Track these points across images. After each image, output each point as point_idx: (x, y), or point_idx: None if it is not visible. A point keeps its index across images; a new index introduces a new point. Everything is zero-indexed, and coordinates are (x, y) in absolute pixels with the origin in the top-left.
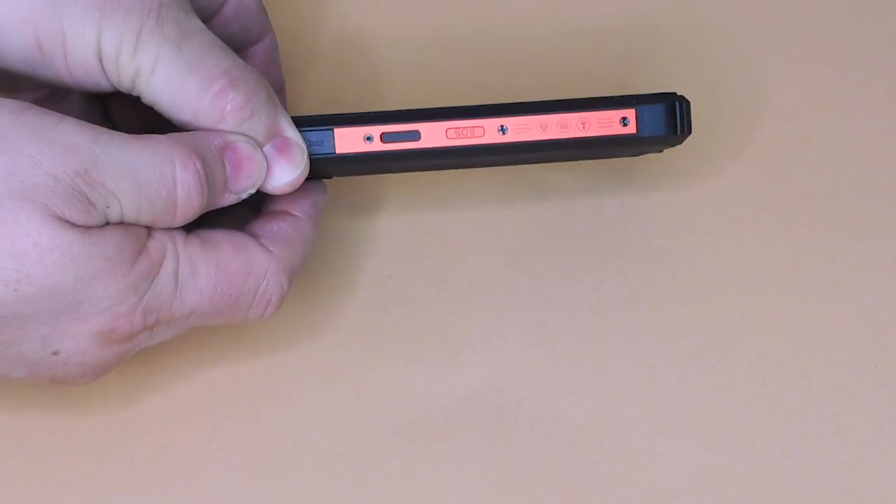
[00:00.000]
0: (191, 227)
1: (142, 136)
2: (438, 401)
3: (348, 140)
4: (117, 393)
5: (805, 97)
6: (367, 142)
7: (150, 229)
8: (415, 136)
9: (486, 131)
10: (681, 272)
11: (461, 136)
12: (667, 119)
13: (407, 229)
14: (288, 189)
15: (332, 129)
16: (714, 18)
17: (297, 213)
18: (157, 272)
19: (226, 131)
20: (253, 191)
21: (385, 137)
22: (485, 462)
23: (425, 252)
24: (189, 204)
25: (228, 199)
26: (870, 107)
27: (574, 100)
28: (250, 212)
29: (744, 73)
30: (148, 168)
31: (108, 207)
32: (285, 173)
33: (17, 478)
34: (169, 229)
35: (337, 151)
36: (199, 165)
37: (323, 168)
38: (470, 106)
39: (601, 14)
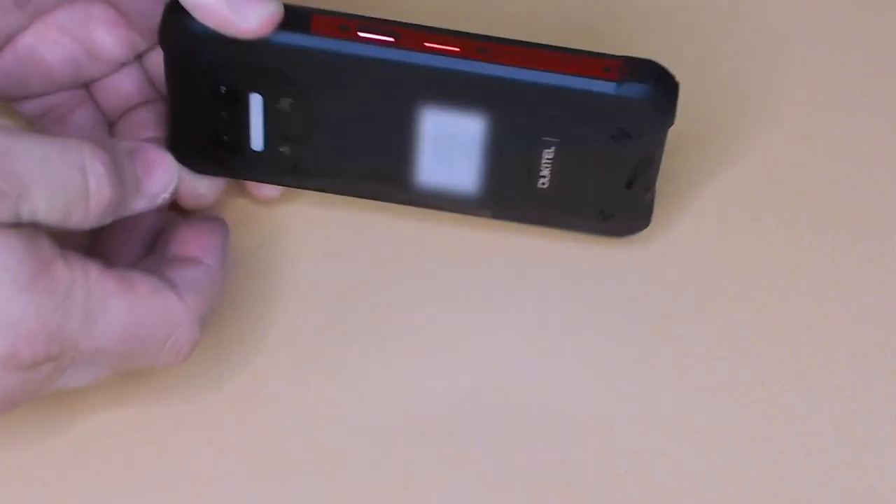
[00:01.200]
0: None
1: (53, 135)
2: (438, 401)
3: (324, 25)
4: (115, 393)
5: (805, 97)
6: (343, 31)
7: (62, 254)
8: (393, 34)
9: (465, 49)
10: (680, 272)
11: (439, 45)
12: (653, 86)
13: (407, 227)
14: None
15: (311, 15)
16: (714, 17)
17: (209, 262)
18: (64, 297)
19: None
20: (167, 195)
21: (362, 28)
22: (485, 462)
23: (425, 250)
24: (101, 194)
25: (142, 203)
26: (870, 107)
27: (560, 46)
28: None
29: (744, 73)
30: (59, 157)
31: (19, 197)
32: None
33: (17, 478)
34: (83, 262)
35: (311, 31)
36: (107, 157)
37: (294, 56)
38: (454, 29)
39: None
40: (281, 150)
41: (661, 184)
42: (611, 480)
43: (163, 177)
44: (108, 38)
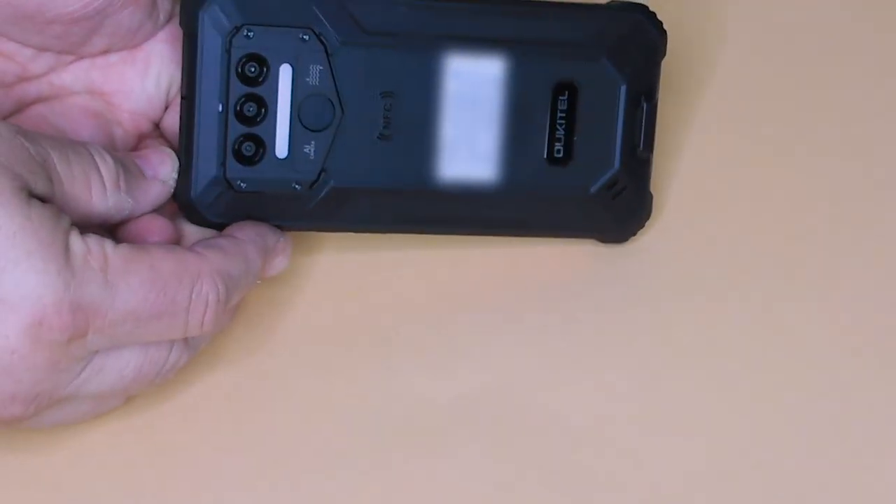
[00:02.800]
0: None
1: None
2: (438, 401)
3: None
4: None
5: (805, 97)
6: None
7: (76, 230)
8: None
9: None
10: (681, 273)
11: None
12: (643, 9)
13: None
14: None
15: None
16: (713, 16)
17: (239, 236)
18: (81, 266)
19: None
20: (174, 174)
21: None
22: (485, 462)
23: (425, 251)
24: (107, 164)
25: (155, 188)
26: (870, 107)
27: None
28: None
29: (743, 74)
30: (64, 138)
31: (44, 162)
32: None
33: (16, 479)
34: (97, 237)
35: None
36: (102, 144)
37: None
38: None
39: None
40: (305, 149)
41: (660, 184)
42: (611, 480)
43: (161, 157)
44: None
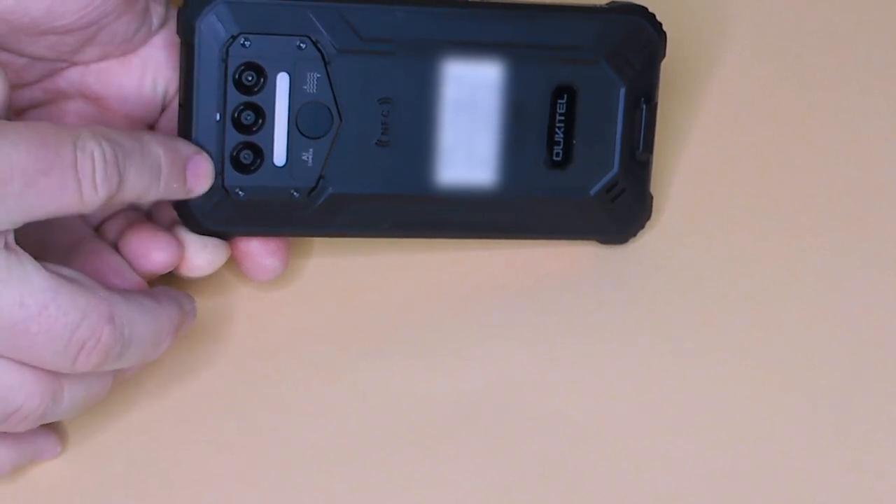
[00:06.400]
0: None
1: None
2: (438, 401)
3: None
4: (116, 394)
5: (805, 96)
6: None
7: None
8: None
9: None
10: (680, 273)
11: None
12: (642, 9)
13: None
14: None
15: None
16: (713, 17)
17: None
18: None
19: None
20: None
21: None
22: (485, 462)
23: (425, 252)
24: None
25: (180, 192)
26: (870, 107)
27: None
28: None
29: (743, 74)
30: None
31: None
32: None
33: (15, 479)
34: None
35: None
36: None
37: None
38: None
39: None
40: (303, 157)
41: (660, 184)
42: (611, 480)
43: (201, 173)
44: None
